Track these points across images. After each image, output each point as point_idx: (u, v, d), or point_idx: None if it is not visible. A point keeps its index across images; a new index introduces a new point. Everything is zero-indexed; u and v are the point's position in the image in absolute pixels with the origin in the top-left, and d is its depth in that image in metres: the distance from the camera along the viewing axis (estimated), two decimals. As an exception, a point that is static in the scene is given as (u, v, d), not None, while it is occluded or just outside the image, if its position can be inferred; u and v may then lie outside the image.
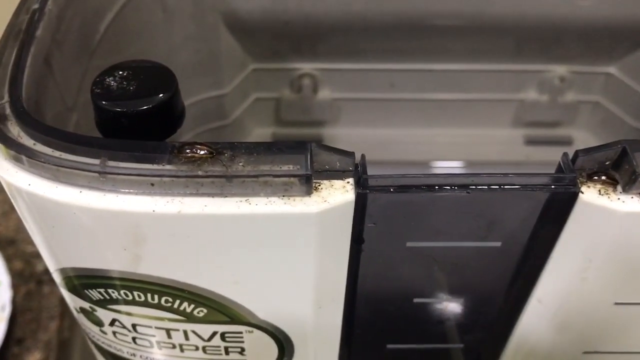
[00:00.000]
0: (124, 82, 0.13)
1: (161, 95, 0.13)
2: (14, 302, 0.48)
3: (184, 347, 0.15)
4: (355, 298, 0.14)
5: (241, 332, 0.14)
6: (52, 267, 0.14)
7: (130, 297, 0.13)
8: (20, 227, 0.57)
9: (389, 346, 0.15)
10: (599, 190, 0.12)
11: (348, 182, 0.12)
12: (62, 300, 0.51)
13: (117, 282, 0.13)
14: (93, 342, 0.16)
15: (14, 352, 0.47)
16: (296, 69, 0.28)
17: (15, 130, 0.12)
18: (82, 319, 0.15)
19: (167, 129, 0.13)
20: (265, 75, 0.28)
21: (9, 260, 0.50)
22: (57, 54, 0.16)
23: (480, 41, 0.28)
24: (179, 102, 0.13)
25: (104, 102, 0.13)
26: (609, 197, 0.12)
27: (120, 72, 0.13)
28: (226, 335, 0.14)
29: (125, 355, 0.16)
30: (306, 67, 0.28)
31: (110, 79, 0.13)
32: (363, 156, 0.12)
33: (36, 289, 0.51)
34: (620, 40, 0.27)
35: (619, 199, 0.12)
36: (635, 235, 0.12)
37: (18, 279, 0.51)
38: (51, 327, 0.49)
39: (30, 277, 0.52)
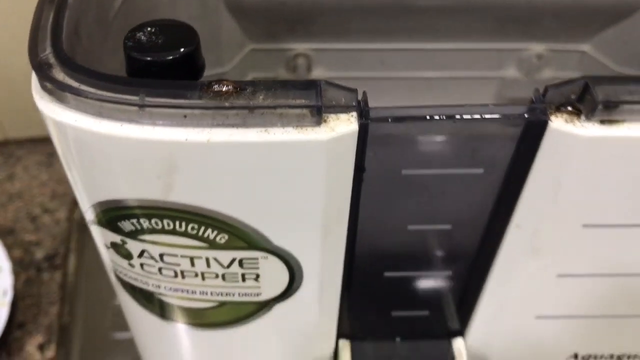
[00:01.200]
0: (152, 37, 0.15)
1: (185, 48, 0.15)
2: (15, 289, 0.50)
3: (205, 275, 0.16)
4: (357, 225, 0.16)
5: (257, 258, 0.16)
6: (88, 203, 0.16)
7: (160, 226, 0.15)
8: (18, 217, 0.59)
9: (386, 274, 0.17)
10: (566, 119, 0.14)
11: (352, 115, 0.14)
12: (61, 286, 0.52)
13: (149, 211, 0.15)
14: (119, 279, 0.18)
15: (16, 336, 0.49)
16: (291, 50, 0.30)
17: (60, 75, 0.14)
18: (111, 254, 0.17)
19: (190, 78, 0.15)
20: (263, 55, 0.30)
21: (8, 249, 0.51)
22: (83, 23, 0.17)
23: (465, 21, 0.30)
24: (200, 56, 0.15)
25: (135, 53, 0.15)
26: (574, 125, 0.14)
27: (149, 29, 0.15)
28: (244, 261, 0.16)
29: (150, 288, 0.17)
30: (301, 47, 0.30)
31: (140, 34, 0.15)
32: (364, 93, 0.14)
33: (36, 275, 0.53)
34: (593, 18, 0.29)
35: (582, 126, 0.14)
36: (597, 159, 0.14)
37: (18, 267, 0.52)
38: (51, 311, 0.51)
39: (29, 265, 0.53)
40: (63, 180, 0.61)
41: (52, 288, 0.53)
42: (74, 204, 0.60)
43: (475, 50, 0.32)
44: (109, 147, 0.14)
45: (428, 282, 0.18)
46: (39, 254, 0.56)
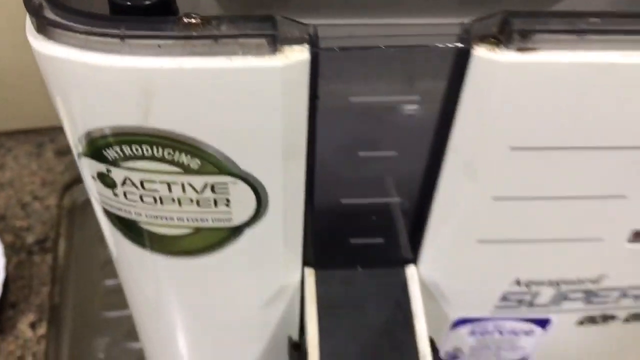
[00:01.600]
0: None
1: (161, -6, 0.17)
2: (7, 271, 0.52)
3: (181, 200, 0.19)
4: (314, 152, 0.18)
5: (227, 183, 0.18)
6: (77, 135, 0.18)
7: (140, 152, 0.17)
8: (9, 204, 0.61)
9: (343, 201, 0.19)
10: (488, 48, 0.16)
11: (305, 45, 0.16)
12: (52, 268, 0.55)
13: (130, 138, 0.17)
14: (106, 212, 0.20)
15: (9, 315, 0.51)
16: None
17: (51, 15, 0.16)
18: (98, 186, 0.19)
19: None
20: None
21: (0, 235, 0.53)
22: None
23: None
24: (174, 3, 0.17)
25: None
26: (495, 52, 0.16)
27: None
28: (215, 186, 0.18)
29: (132, 216, 0.19)
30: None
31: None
32: (315, 26, 0.16)
33: (27, 258, 0.55)
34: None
35: (502, 53, 0.16)
36: (516, 84, 0.16)
37: (9, 251, 0.54)
38: (43, 292, 0.53)
39: (20, 249, 0.55)
40: (52, 169, 0.63)
41: (43, 270, 0.55)
42: (64, 191, 0.62)
43: None
44: (95, 77, 0.16)
45: (381, 209, 0.20)
46: (30, 239, 0.58)
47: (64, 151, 0.66)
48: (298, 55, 0.16)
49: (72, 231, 0.61)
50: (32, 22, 0.16)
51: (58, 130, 0.67)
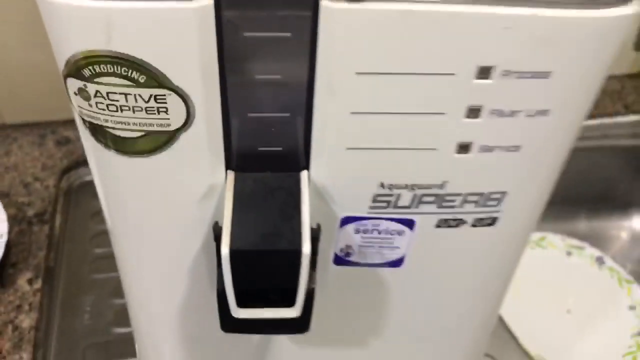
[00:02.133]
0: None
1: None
2: (9, 237, 0.61)
3: (134, 108, 0.27)
4: (224, 75, 0.27)
5: (165, 95, 0.27)
6: (62, 61, 0.27)
7: (105, 70, 0.26)
8: (13, 184, 0.70)
9: (249, 114, 0.28)
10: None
11: (210, -3, 0.25)
12: (48, 236, 0.63)
13: (98, 59, 0.26)
14: (83, 121, 0.29)
15: (10, 273, 0.60)
16: None
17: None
18: (78, 100, 0.28)
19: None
20: None
21: (4, 208, 0.62)
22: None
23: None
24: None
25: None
26: (333, 2, 0.25)
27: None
28: (157, 97, 0.27)
29: (101, 122, 0.28)
30: None
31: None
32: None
33: (27, 228, 0.64)
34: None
35: (338, 2, 0.25)
36: (349, 23, 0.25)
37: (12, 221, 0.63)
38: (40, 255, 0.62)
39: (22, 220, 0.64)
40: (52, 156, 0.72)
41: (41, 237, 0.64)
42: (61, 174, 0.72)
43: None
44: (73, 14, 0.25)
45: (277, 123, 0.29)
46: (30, 212, 0.67)
47: (63, 142, 0.76)
48: (205, 2, 0.24)
49: (67, 208, 0.70)
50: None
51: (58, 123, 0.77)
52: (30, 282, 0.61)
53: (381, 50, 0.26)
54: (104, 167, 0.31)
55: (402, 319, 0.38)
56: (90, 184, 0.71)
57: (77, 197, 0.71)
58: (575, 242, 0.88)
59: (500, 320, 0.64)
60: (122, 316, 0.60)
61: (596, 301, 0.82)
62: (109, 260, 0.62)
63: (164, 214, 0.32)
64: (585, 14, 0.26)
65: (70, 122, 0.77)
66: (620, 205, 0.91)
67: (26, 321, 0.57)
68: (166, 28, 0.25)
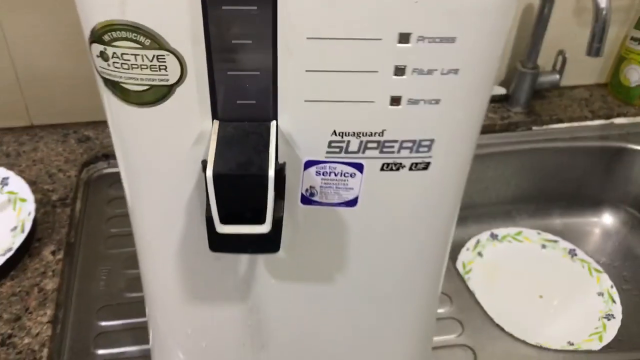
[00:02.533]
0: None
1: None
2: (35, 217, 0.70)
3: (142, 66, 0.36)
4: (209, 42, 0.36)
5: (164, 55, 0.36)
6: (87, 31, 0.36)
7: (120, 35, 0.35)
8: (39, 174, 0.79)
9: (229, 73, 0.37)
10: (285, -18, 0.34)
11: (197, -21, 0.34)
12: (69, 217, 0.72)
13: (115, 27, 0.35)
14: (103, 78, 0.38)
15: (36, 246, 0.69)
16: None
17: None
18: (99, 61, 0.37)
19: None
20: None
21: (32, 193, 0.72)
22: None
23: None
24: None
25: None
26: (287, -16, 0.34)
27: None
28: (158, 57, 0.36)
29: (116, 79, 0.37)
30: None
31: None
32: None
33: (51, 210, 0.73)
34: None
35: (291, -16, 0.34)
36: (300, 2, 0.34)
37: (38, 204, 0.73)
38: (62, 232, 0.71)
39: (47, 203, 0.74)
40: (74, 152, 0.82)
41: (63, 218, 0.73)
42: (82, 167, 0.81)
43: None
44: (99, -8, 0.34)
45: (250, 80, 0.37)
46: (54, 197, 0.76)
47: (84, 139, 0.86)
48: (194, -17, 0.34)
49: (86, 195, 0.80)
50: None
51: (80, 124, 0.87)
52: (53, 253, 0.70)
53: (324, 19, 0.35)
54: (117, 116, 0.40)
55: (361, 256, 0.46)
56: (107, 176, 0.81)
57: (95, 186, 0.81)
58: (549, 236, 0.95)
59: (477, 304, 0.71)
60: (133, 284, 0.69)
61: (568, 288, 0.89)
62: (123, 238, 0.71)
63: (164, 156, 0.41)
64: (479, -8, 0.34)
65: (91, 124, 0.88)
66: (592, 202, 0.98)
67: (50, 284, 0.66)
68: (166, 2, 0.34)
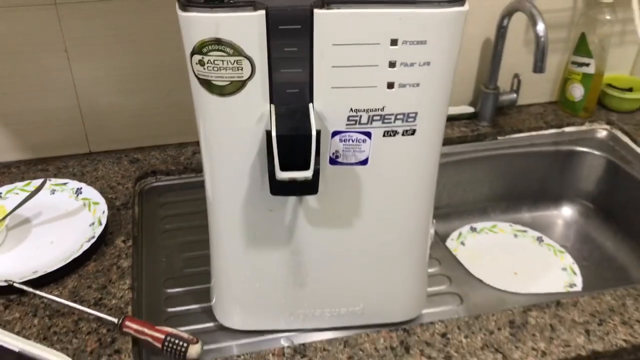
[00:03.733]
0: None
1: None
2: (107, 216, 0.90)
3: (227, 68, 0.56)
4: (270, 55, 0.56)
5: (241, 59, 0.56)
6: (191, 46, 0.56)
7: (213, 47, 0.55)
8: (103, 187, 0.98)
9: (282, 70, 0.57)
10: (318, 8, 0.55)
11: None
12: (132, 217, 0.92)
13: (211, 41, 0.55)
14: (198, 78, 0.58)
15: (109, 237, 0.89)
16: None
17: (183, 3, 0.55)
18: (197, 66, 0.57)
19: None
20: None
21: None
22: None
23: None
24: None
25: None
26: (318, 9, 0.55)
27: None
28: (237, 61, 0.56)
29: (209, 77, 0.57)
30: None
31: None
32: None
33: (117, 212, 0.93)
34: None
35: (321, 10, 0.55)
36: (327, 20, 0.55)
37: (107, 208, 0.92)
38: (128, 227, 0.91)
39: (112, 207, 0.94)
40: (127, 170, 1.02)
41: (127, 218, 0.93)
42: (135, 181, 1.01)
43: None
44: (199, 21, 0.54)
45: (297, 80, 0.58)
46: (117, 202, 0.96)
47: (134, 161, 1.05)
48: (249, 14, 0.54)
49: (142, 202, 0.99)
50: (180, 7, 0.55)
51: (130, 150, 1.09)
52: (124, 242, 0.88)
53: (343, 32, 0.55)
54: (206, 104, 0.59)
55: (372, 203, 0.66)
56: (156, 188, 1.01)
57: (148, 195, 1.00)
58: (520, 227, 1.15)
59: (461, 265, 0.89)
60: (188, 263, 0.87)
61: (537, 266, 1.08)
62: (175, 231, 0.91)
63: (237, 132, 0.60)
64: (441, 10, 0.55)
65: (138, 149, 1.07)
66: (553, 198, 1.18)
67: (125, 263, 0.84)
68: (244, 25, 0.54)
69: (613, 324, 0.75)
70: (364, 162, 0.63)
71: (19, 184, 0.94)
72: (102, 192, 0.96)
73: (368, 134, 0.61)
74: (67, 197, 0.93)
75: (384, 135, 0.61)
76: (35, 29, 0.93)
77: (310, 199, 0.64)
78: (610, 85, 1.20)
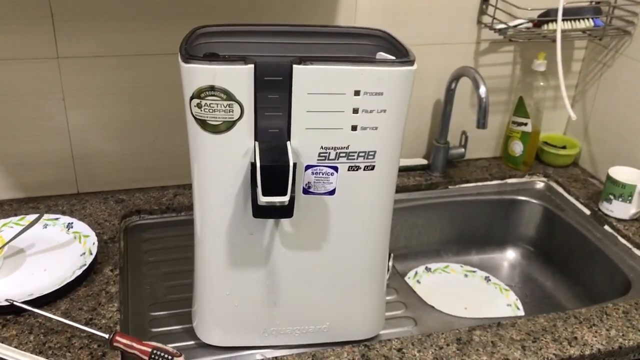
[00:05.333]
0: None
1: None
2: (97, 248, 0.99)
3: (221, 110, 0.68)
4: (256, 102, 0.68)
5: (232, 103, 0.68)
6: (190, 92, 0.68)
7: (209, 93, 0.67)
8: (90, 223, 1.08)
9: (266, 113, 0.69)
10: (297, 64, 0.68)
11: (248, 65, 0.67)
12: (118, 249, 1.02)
13: (208, 87, 0.67)
14: (194, 117, 0.69)
15: (98, 266, 0.98)
16: None
17: (185, 56, 0.67)
18: (195, 109, 0.69)
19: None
20: None
21: None
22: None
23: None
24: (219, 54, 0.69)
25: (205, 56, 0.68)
26: (298, 65, 0.68)
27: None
28: (228, 105, 0.68)
29: (204, 117, 0.69)
30: None
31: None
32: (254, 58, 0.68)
33: (104, 245, 1.03)
34: None
35: (300, 65, 0.68)
36: (304, 74, 0.68)
37: (97, 241, 1.01)
38: (115, 258, 1.01)
39: (100, 241, 1.03)
40: (114, 209, 1.11)
41: (114, 250, 1.02)
42: (121, 219, 1.10)
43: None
44: (197, 71, 0.66)
45: (276, 117, 0.70)
46: (105, 237, 1.05)
47: (120, 201, 1.15)
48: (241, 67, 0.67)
49: (127, 237, 1.08)
50: (182, 58, 0.67)
51: (115, 191, 1.20)
52: (111, 270, 0.97)
53: (317, 83, 0.68)
54: (200, 141, 0.71)
55: (338, 229, 0.77)
56: (140, 225, 1.12)
57: (132, 231, 1.09)
58: (469, 268, 1.27)
59: (415, 293, 1.00)
60: (171, 291, 0.96)
61: (485, 302, 1.19)
62: (158, 264, 1.00)
63: (226, 164, 0.72)
64: (395, 68, 0.69)
65: (123, 190, 1.17)
66: (499, 241, 1.32)
67: (113, 289, 0.92)
68: (236, 76, 0.67)
69: (545, 341, 0.87)
70: (332, 193, 0.75)
71: (14, 219, 1.03)
72: (92, 228, 1.05)
73: (335, 168, 0.73)
74: (58, 231, 1.02)
75: (348, 170, 0.73)
76: (37, 79, 1.04)
77: (285, 224, 0.75)
78: (546, 143, 1.37)
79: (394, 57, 0.74)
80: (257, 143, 0.70)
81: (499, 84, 1.30)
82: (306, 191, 0.74)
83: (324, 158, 0.72)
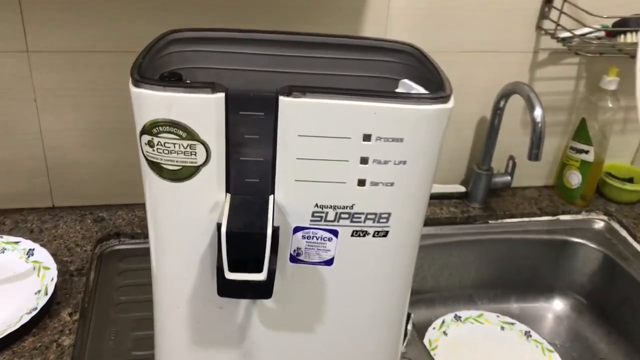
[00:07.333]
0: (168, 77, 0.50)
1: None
2: (56, 283, 0.83)
3: (178, 152, 0.50)
4: (229, 141, 0.50)
5: (195, 144, 0.50)
6: (140, 125, 0.50)
7: (164, 129, 0.49)
8: (59, 248, 0.91)
9: (241, 158, 0.51)
10: (285, 96, 0.49)
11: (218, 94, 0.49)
12: (85, 285, 0.84)
13: (161, 122, 0.49)
14: (146, 159, 0.51)
15: (55, 308, 0.81)
16: None
17: (137, 79, 0.49)
18: (146, 147, 0.51)
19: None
20: None
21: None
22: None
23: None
24: (181, 77, 0.51)
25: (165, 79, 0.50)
26: (286, 97, 0.49)
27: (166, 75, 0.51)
28: (191, 145, 0.50)
29: (157, 160, 0.51)
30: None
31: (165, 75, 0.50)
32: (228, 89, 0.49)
33: (69, 279, 0.86)
34: None
35: (288, 98, 0.49)
36: (292, 110, 0.49)
37: (59, 273, 0.85)
38: (77, 297, 0.83)
39: (65, 273, 0.87)
40: (89, 230, 0.95)
41: (79, 285, 0.85)
42: (96, 243, 0.94)
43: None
44: (151, 99, 0.48)
45: (256, 164, 0.51)
46: (72, 267, 0.88)
47: (98, 220, 0.99)
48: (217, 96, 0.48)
49: (99, 268, 0.92)
50: (133, 82, 0.49)
51: (95, 207, 1.01)
52: (70, 315, 0.81)
53: (309, 122, 0.49)
54: (155, 189, 0.53)
55: (335, 308, 0.58)
56: (117, 252, 0.93)
57: (107, 259, 0.93)
58: (507, 319, 1.07)
59: None
60: (138, 345, 0.79)
61: (523, 365, 1.00)
62: (130, 305, 0.83)
63: (188, 220, 0.54)
64: (421, 107, 0.49)
65: (105, 206, 1.01)
66: (544, 289, 1.11)
67: (66, 341, 0.76)
68: (199, 107, 0.48)
69: None
70: (329, 263, 0.56)
71: (-32, 238, 0.87)
72: (57, 255, 0.89)
73: (334, 232, 0.54)
74: (17, 258, 0.86)
75: (352, 235, 0.55)
76: (3, 76, 0.88)
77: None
78: (610, 175, 1.14)
79: (421, 88, 0.54)
80: (228, 196, 0.52)
81: (558, 102, 1.09)
82: (294, 259, 0.56)
83: (319, 219, 0.54)
